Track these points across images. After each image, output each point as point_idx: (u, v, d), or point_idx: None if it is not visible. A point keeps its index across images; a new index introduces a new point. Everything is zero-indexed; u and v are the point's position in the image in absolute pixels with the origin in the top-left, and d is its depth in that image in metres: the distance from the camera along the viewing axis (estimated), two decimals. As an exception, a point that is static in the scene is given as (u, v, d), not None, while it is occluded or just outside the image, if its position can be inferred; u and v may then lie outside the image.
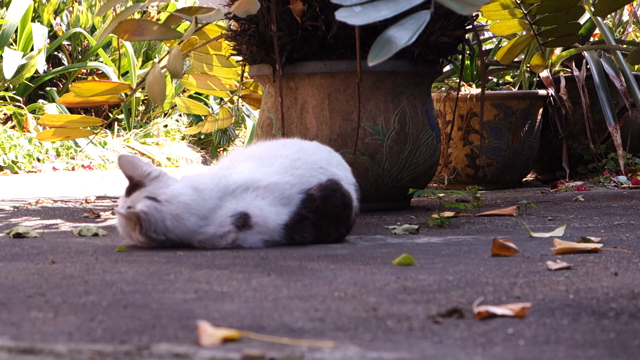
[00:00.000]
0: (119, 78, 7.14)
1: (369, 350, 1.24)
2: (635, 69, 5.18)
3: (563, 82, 4.79)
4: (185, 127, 7.79)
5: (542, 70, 4.19)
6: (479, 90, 4.52)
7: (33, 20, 7.25)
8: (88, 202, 3.92)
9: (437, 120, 3.53)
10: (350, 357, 1.21)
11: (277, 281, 1.79)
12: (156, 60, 7.52)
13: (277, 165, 2.36)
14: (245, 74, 3.86)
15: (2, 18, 6.99)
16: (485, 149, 4.58)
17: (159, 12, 7.83)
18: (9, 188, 4.83)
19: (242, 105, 7.31)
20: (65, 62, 7.49)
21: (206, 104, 7.61)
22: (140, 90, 6.57)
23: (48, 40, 7.14)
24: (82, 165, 6.62)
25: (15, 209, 3.60)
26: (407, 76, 3.29)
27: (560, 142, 4.82)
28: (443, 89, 4.71)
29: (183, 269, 1.95)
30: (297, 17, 3.18)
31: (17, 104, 6.80)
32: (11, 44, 7.06)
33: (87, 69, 7.48)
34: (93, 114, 7.29)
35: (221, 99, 5.27)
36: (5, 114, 6.73)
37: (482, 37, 5.41)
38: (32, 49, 6.98)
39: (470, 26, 3.40)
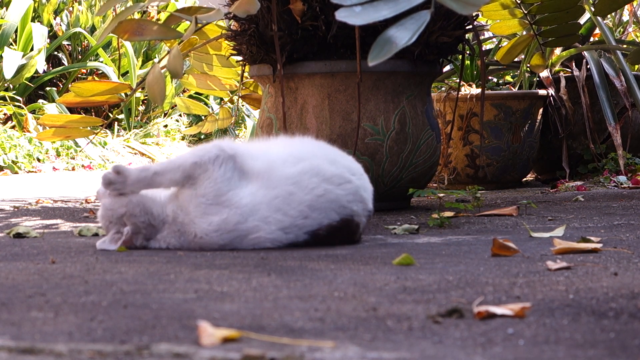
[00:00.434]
0: (119, 78, 7.14)
1: (369, 350, 1.24)
2: (636, 69, 5.18)
3: (563, 82, 4.79)
4: (185, 127, 7.79)
5: (542, 70, 4.19)
6: (479, 90, 4.52)
7: (33, 20, 7.25)
8: (88, 202, 3.92)
9: (437, 120, 3.53)
10: (350, 357, 1.21)
11: (277, 281, 1.79)
12: (156, 60, 7.52)
13: (285, 199, 2.27)
14: (245, 74, 3.86)
15: (2, 18, 6.99)
16: (485, 149, 4.58)
17: (159, 12, 7.84)
18: (9, 188, 4.83)
19: (242, 105, 7.31)
20: (65, 62, 7.49)
21: (206, 104, 7.61)
22: (140, 90, 6.57)
23: (48, 40, 7.14)
24: (82, 165, 6.62)
25: (16, 209, 3.60)
26: (407, 76, 3.29)
27: (560, 142, 4.82)
28: (443, 89, 4.71)
29: (183, 269, 1.96)
30: (297, 17, 3.18)
31: (17, 104, 6.80)
32: (11, 44, 7.06)
33: (87, 69, 7.48)
34: (93, 114, 7.29)
35: (221, 99, 5.27)
36: (5, 114, 6.73)
37: (482, 37, 5.41)
38: (32, 49, 6.98)
39: (470, 26, 3.40)
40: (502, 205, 3.50)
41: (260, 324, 1.40)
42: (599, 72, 4.72)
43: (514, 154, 4.61)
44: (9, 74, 6.65)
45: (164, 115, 7.87)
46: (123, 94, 4.34)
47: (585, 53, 4.80)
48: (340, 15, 1.69)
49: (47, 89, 7.27)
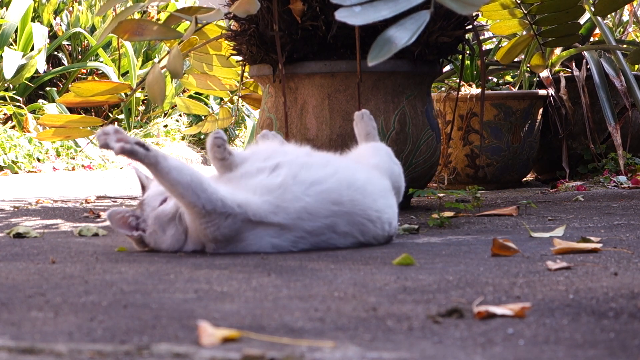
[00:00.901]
0: (119, 78, 7.14)
1: (369, 350, 1.24)
2: (636, 69, 5.18)
3: (563, 82, 4.79)
4: (185, 127, 7.79)
5: (542, 70, 4.19)
6: (479, 90, 4.52)
7: (33, 20, 7.25)
8: (88, 202, 3.92)
9: (437, 120, 3.53)
10: (350, 357, 1.21)
11: (277, 281, 1.79)
12: (156, 60, 7.52)
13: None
14: (245, 74, 3.86)
15: (2, 18, 6.99)
16: (485, 149, 4.58)
17: (159, 12, 7.83)
18: (9, 188, 4.83)
19: (242, 105, 7.31)
20: (65, 62, 7.49)
21: (206, 104, 7.61)
22: (140, 90, 6.57)
23: (48, 40, 7.13)
24: (82, 165, 6.62)
25: (16, 209, 3.60)
26: (407, 76, 3.29)
27: (560, 142, 4.82)
28: (443, 89, 4.71)
29: (183, 269, 1.95)
30: (297, 17, 3.18)
31: (17, 104, 6.80)
32: (11, 44, 7.06)
33: (87, 69, 7.48)
34: (93, 114, 7.29)
35: (221, 99, 5.27)
36: (5, 114, 6.73)
37: (482, 37, 5.41)
38: (32, 49, 6.98)
39: (470, 26, 3.40)
40: (502, 205, 3.50)
41: (260, 324, 1.40)
42: (599, 72, 4.72)
43: (514, 154, 4.61)
44: (9, 74, 6.65)
45: (164, 115, 7.87)
46: (123, 94, 4.34)
47: (585, 53, 4.80)
48: (340, 15, 1.69)
49: (47, 89, 7.27)
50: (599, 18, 4.65)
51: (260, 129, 3.40)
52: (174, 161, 2.07)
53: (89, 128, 3.88)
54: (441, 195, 3.46)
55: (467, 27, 3.38)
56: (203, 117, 5.77)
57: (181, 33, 3.15)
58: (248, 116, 8.07)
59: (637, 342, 1.27)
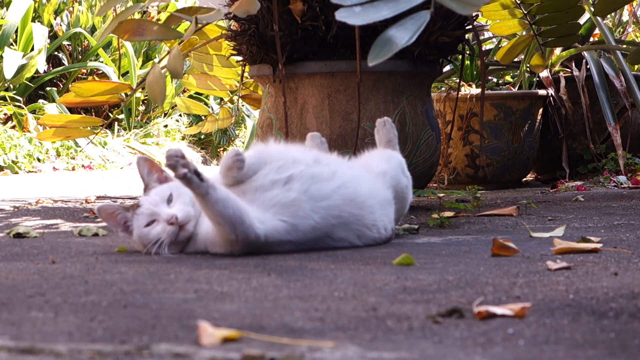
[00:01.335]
0: (119, 78, 7.14)
1: (369, 350, 1.24)
2: (635, 69, 5.18)
3: (563, 82, 4.79)
4: (185, 127, 7.79)
5: (542, 70, 4.19)
6: (479, 90, 4.52)
7: (33, 20, 7.25)
8: (88, 202, 3.92)
9: (437, 120, 3.53)
10: (350, 357, 1.21)
11: (277, 281, 1.79)
12: (156, 60, 7.52)
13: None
14: (245, 74, 3.86)
15: (2, 18, 6.99)
16: (485, 149, 4.58)
17: (159, 12, 7.83)
18: (9, 188, 4.83)
19: (242, 105, 7.31)
20: (66, 62, 7.49)
21: (206, 104, 7.61)
22: (140, 90, 6.57)
23: (48, 40, 7.13)
24: (82, 165, 6.62)
25: (16, 209, 3.60)
26: (407, 76, 3.29)
27: (560, 142, 4.82)
28: (443, 89, 4.71)
29: (183, 269, 1.95)
30: (297, 17, 3.18)
31: (17, 104, 6.80)
32: (11, 44, 7.06)
33: (87, 69, 7.48)
34: (93, 114, 7.29)
35: (221, 99, 5.27)
36: (5, 114, 6.73)
37: (482, 37, 5.41)
38: (32, 49, 6.98)
39: (470, 26, 3.40)
40: (502, 205, 3.50)
41: (260, 324, 1.40)
42: (599, 72, 4.72)
43: (513, 154, 4.61)
44: (9, 74, 6.65)
45: (164, 115, 7.87)
46: (123, 94, 4.34)
47: (585, 53, 4.80)
48: (340, 16, 1.69)
49: (48, 89, 7.27)
50: (598, 18, 4.65)
51: (260, 129, 3.40)
52: (221, 192, 2.10)
53: (89, 128, 3.88)
54: (441, 195, 3.46)
55: (467, 27, 3.38)
56: (203, 117, 5.78)
57: (181, 33, 3.15)
58: (248, 116, 8.07)
59: (637, 342, 1.27)
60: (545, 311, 1.48)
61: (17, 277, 1.88)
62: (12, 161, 6.14)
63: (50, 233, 2.79)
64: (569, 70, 4.89)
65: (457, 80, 4.50)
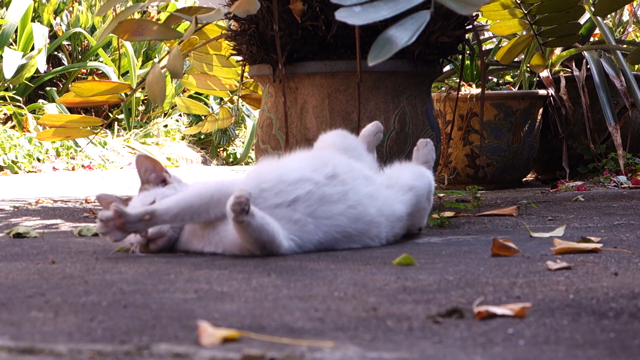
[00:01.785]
0: (119, 78, 7.14)
1: (369, 350, 1.24)
2: (636, 68, 5.18)
3: (563, 82, 4.79)
4: (185, 127, 7.79)
5: (542, 70, 4.19)
6: (479, 90, 4.52)
7: (33, 20, 7.25)
8: (88, 202, 3.92)
9: (437, 120, 3.53)
10: (350, 357, 1.21)
11: (277, 281, 1.79)
12: (156, 60, 7.52)
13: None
14: (245, 74, 3.86)
15: (2, 18, 6.99)
16: (485, 149, 4.58)
17: (159, 12, 7.83)
18: (9, 188, 4.83)
19: (242, 105, 7.31)
20: (65, 62, 7.49)
21: (206, 104, 7.61)
22: (140, 90, 6.57)
23: (48, 40, 7.13)
24: (82, 165, 6.62)
25: (15, 209, 3.60)
26: (407, 76, 3.29)
27: (560, 142, 4.82)
28: (443, 89, 4.71)
29: (183, 269, 1.95)
30: (297, 17, 3.18)
31: (17, 104, 6.80)
32: (11, 44, 7.06)
33: (87, 69, 7.48)
34: (93, 114, 7.29)
35: (221, 99, 5.27)
36: (5, 114, 6.73)
37: (482, 37, 5.41)
38: (32, 49, 6.98)
39: (470, 26, 3.40)
40: (502, 205, 3.50)
41: (260, 324, 1.40)
42: (599, 72, 4.72)
43: (514, 154, 4.61)
44: (9, 74, 6.65)
45: (164, 115, 7.87)
46: (123, 94, 4.34)
47: (585, 53, 4.80)
48: (340, 15, 1.69)
49: (47, 89, 7.27)
50: (599, 18, 4.65)
51: (260, 129, 3.40)
52: (259, 219, 2.08)
53: (89, 128, 3.88)
54: (441, 195, 3.46)
55: (467, 27, 3.38)
56: (203, 117, 5.78)
57: (181, 33, 3.15)
58: (248, 116, 8.07)
59: (638, 342, 1.27)
60: (546, 311, 1.48)
61: (17, 277, 1.88)
62: (12, 161, 6.14)
63: (50, 233, 2.79)
64: (569, 70, 4.89)
65: (457, 80, 4.50)
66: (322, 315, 1.46)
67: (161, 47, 7.91)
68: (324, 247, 2.24)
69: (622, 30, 5.83)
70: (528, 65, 4.42)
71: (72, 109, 7.07)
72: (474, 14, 3.62)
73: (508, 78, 5.22)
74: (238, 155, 8.02)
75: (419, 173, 2.54)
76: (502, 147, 4.59)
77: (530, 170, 4.86)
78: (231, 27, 3.59)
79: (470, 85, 4.63)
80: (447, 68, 4.94)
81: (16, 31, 7.05)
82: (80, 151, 6.65)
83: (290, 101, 3.28)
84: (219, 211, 2.15)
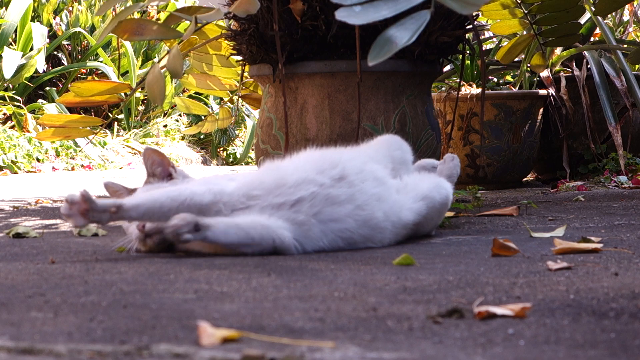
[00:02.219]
0: (118, 78, 7.13)
1: (369, 350, 1.24)
2: (636, 68, 5.18)
3: (563, 82, 4.79)
4: (185, 127, 7.79)
5: (543, 70, 4.19)
6: (479, 90, 4.52)
7: (33, 19, 7.25)
8: (88, 202, 3.91)
9: (437, 120, 3.53)
10: (350, 357, 1.20)
11: (277, 281, 1.79)
12: (156, 60, 7.52)
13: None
14: (245, 74, 3.86)
15: (1, 18, 6.98)
16: (486, 149, 4.57)
17: (158, 12, 7.83)
18: (8, 188, 4.83)
19: (242, 105, 7.31)
20: (65, 62, 7.49)
21: (206, 104, 7.61)
22: (140, 90, 6.57)
23: (48, 40, 7.13)
24: (82, 165, 6.62)
25: (15, 209, 3.60)
26: (407, 76, 3.28)
27: (560, 142, 4.82)
28: (443, 88, 4.70)
29: (183, 269, 1.95)
30: (297, 16, 3.17)
31: (17, 103, 6.80)
32: (11, 44, 7.06)
33: (86, 68, 7.47)
34: (93, 113, 7.29)
35: (221, 99, 5.27)
36: (4, 114, 6.73)
37: (482, 37, 5.41)
38: (31, 49, 6.98)
39: (471, 26, 3.40)
40: (502, 205, 3.49)
41: (260, 324, 1.40)
42: (600, 72, 4.72)
43: (514, 154, 4.61)
44: (8, 73, 6.65)
45: (164, 115, 7.87)
46: (123, 94, 4.34)
47: (586, 53, 4.79)
48: (340, 15, 1.69)
49: (47, 88, 7.27)
50: (599, 18, 4.65)
51: (260, 129, 3.40)
52: (222, 225, 2.11)
53: (88, 128, 3.88)
54: (441, 195, 3.46)
55: (468, 27, 3.38)
56: (203, 117, 5.77)
57: (181, 33, 3.15)
58: (248, 116, 8.07)
59: (638, 343, 1.27)
60: (546, 311, 1.48)
61: (17, 277, 1.88)
62: (12, 161, 6.14)
63: (50, 233, 2.79)
64: (570, 70, 4.89)
65: (458, 80, 4.50)
66: (322, 315, 1.46)
67: (161, 47, 7.91)
68: (325, 249, 2.23)
69: (622, 30, 5.83)
70: (528, 65, 4.42)
71: (71, 109, 7.07)
72: (474, 14, 3.61)
73: (508, 78, 5.22)
74: (238, 155, 8.02)
75: (438, 185, 2.50)
76: (502, 147, 4.59)
77: (531, 170, 4.86)
78: (231, 26, 3.59)
79: (470, 85, 4.63)
80: (447, 68, 4.94)
81: (16, 31, 7.05)
82: (79, 151, 6.64)
83: (290, 101, 3.28)
84: None
